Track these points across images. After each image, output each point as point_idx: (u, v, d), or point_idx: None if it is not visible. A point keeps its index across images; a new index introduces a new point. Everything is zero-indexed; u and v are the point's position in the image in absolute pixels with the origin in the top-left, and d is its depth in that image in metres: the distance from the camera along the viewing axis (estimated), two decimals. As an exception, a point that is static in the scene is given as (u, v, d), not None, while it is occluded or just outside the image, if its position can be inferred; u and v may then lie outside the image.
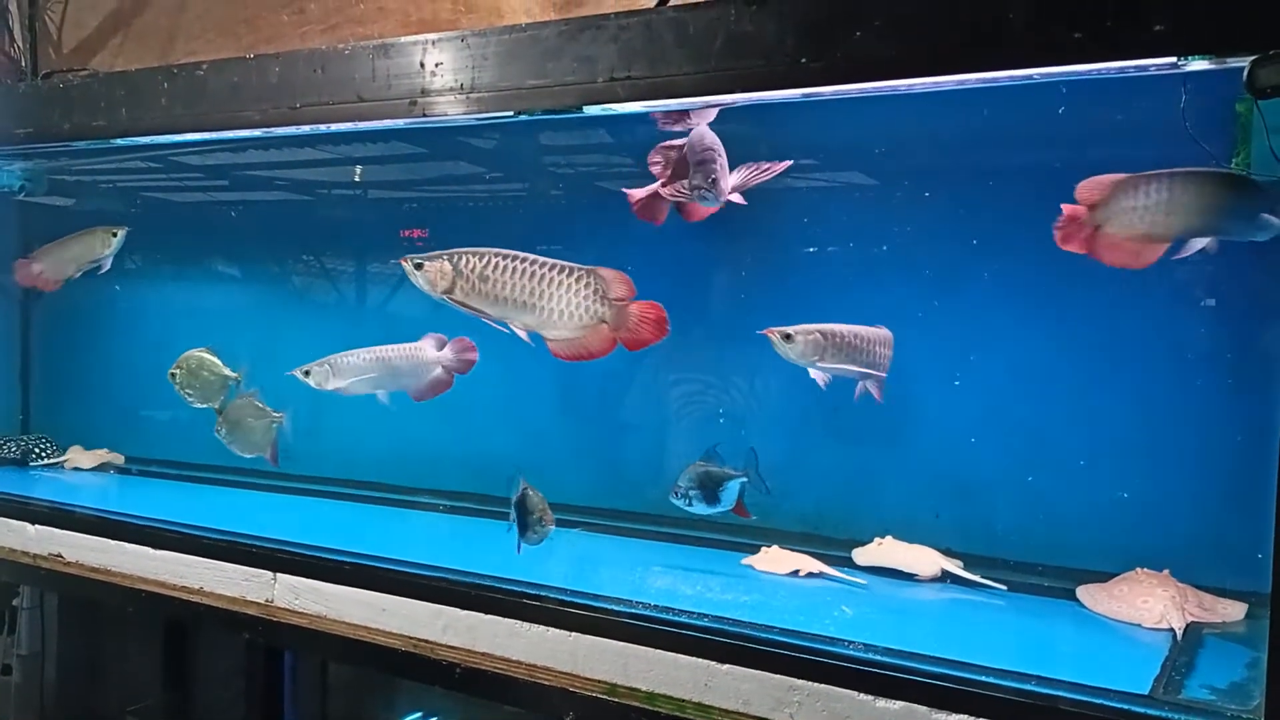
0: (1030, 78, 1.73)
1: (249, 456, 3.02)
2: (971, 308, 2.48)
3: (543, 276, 2.27)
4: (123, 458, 3.69)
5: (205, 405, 3.07)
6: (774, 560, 2.49)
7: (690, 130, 2.32)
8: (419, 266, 2.35)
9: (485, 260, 2.30)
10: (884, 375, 2.36)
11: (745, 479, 2.35)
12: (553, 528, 2.33)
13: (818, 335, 2.29)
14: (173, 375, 3.06)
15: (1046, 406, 2.41)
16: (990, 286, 2.45)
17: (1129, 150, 2.27)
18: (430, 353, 2.69)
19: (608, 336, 2.29)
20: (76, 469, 3.66)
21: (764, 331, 2.32)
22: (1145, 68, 1.64)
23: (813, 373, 2.34)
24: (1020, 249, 2.38)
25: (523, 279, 2.27)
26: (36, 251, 3.40)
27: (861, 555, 2.46)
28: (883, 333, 2.36)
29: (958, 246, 2.46)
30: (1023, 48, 1.67)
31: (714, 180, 2.23)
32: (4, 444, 3.78)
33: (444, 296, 2.34)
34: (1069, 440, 2.38)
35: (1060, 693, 1.67)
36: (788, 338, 2.29)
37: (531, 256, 2.30)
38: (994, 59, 1.72)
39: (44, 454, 3.74)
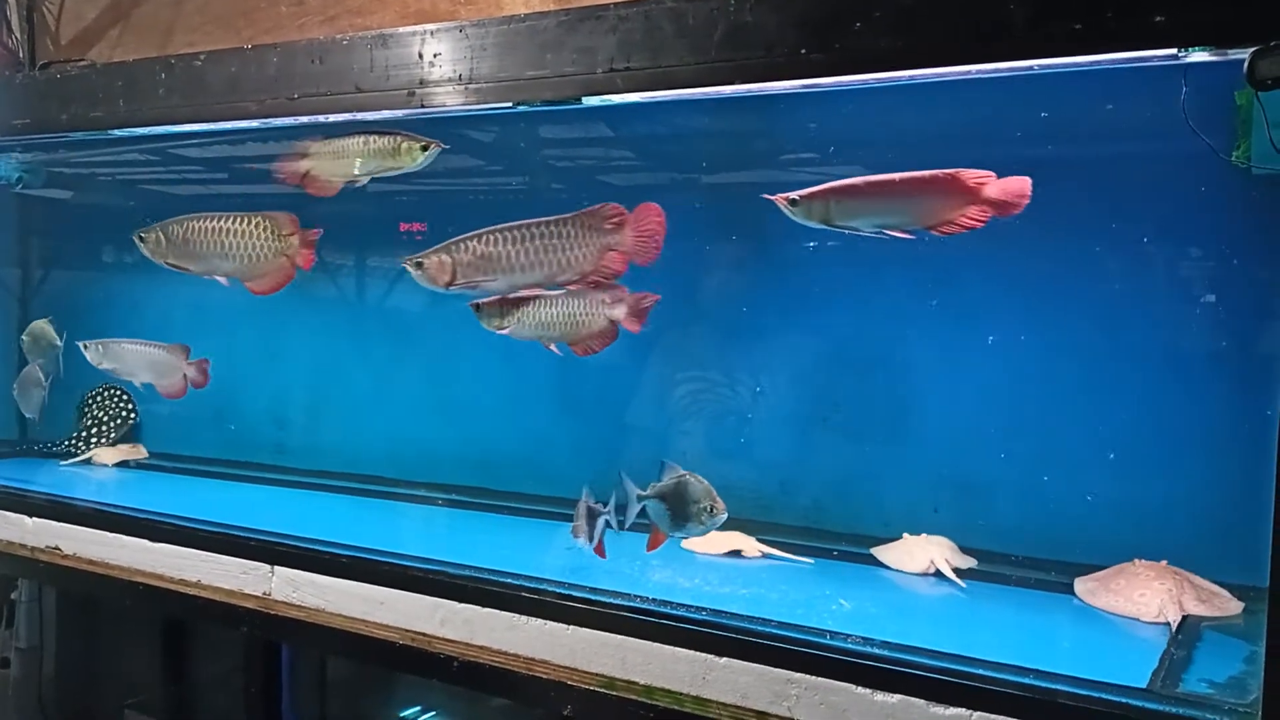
0: (1030, 69, 1.73)
1: (29, 415, 3.61)
2: (972, 302, 2.47)
3: (230, 230, 2.56)
4: (145, 453, 3.69)
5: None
6: (708, 541, 2.48)
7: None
8: (142, 239, 2.66)
9: (184, 225, 2.60)
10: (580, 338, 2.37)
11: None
12: (724, 515, 2.17)
13: (503, 301, 2.37)
14: (23, 341, 3.53)
15: (1046, 400, 2.40)
16: (990, 281, 2.45)
17: (1129, 144, 2.29)
18: (176, 359, 2.98)
19: (288, 266, 2.60)
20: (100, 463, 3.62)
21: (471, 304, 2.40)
22: (1145, 59, 1.64)
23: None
24: (1021, 243, 2.37)
25: (216, 235, 2.57)
26: (307, 146, 2.64)
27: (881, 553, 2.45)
28: (584, 293, 2.33)
29: (959, 241, 2.45)
30: (1023, 39, 1.67)
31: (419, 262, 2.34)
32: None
33: (165, 263, 2.63)
34: (1068, 435, 2.38)
35: (1059, 686, 1.67)
36: (477, 308, 2.39)
37: (220, 214, 2.58)
38: (994, 51, 1.71)
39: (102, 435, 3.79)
